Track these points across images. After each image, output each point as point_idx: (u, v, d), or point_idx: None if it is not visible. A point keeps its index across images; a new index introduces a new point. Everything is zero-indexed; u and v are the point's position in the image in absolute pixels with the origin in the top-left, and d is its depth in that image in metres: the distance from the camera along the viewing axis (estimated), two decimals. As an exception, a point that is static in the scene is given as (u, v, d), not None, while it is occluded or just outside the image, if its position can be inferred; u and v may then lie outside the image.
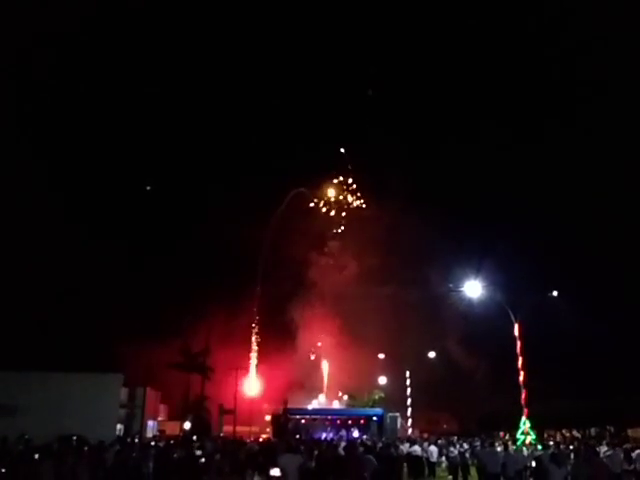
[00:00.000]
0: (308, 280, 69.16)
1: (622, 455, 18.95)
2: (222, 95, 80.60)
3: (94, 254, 56.12)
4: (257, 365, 67.05)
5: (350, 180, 73.54)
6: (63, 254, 51.25)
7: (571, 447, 22.36)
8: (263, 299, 68.61)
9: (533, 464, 19.46)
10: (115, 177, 63.71)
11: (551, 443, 24.53)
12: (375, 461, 13.96)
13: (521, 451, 22.44)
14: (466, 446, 25.24)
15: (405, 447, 25.29)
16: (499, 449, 20.08)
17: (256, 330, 67.72)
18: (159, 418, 53.41)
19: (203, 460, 16.16)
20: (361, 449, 16.89)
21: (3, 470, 12.13)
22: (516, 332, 32.67)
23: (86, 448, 15.99)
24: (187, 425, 51.37)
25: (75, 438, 21.72)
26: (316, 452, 16.05)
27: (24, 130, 49.44)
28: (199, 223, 65.70)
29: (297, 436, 34.51)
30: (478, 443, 25.76)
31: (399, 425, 46.60)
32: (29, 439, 19.25)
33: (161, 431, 47.02)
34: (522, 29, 65.12)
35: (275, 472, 8.12)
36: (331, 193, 73.54)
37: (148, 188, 62.92)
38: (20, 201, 50.55)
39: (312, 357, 68.04)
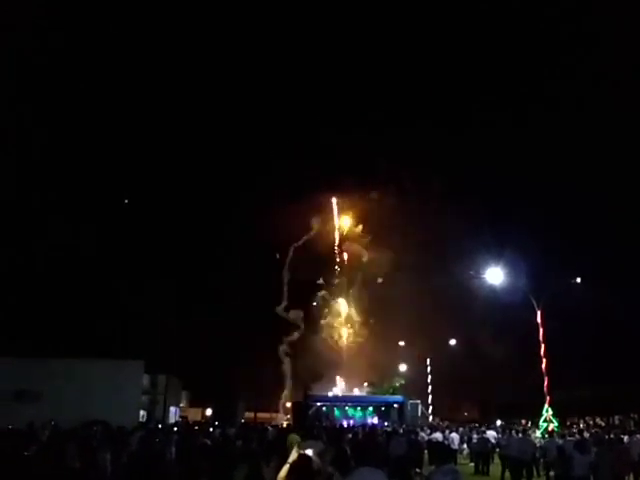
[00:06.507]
0: (330, 269, 69.51)
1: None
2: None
3: (117, 242, 56.59)
4: (281, 351, 67.26)
5: None
6: (82, 244, 51.72)
7: (595, 433, 22.04)
8: (289, 285, 68.93)
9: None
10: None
11: (566, 434, 23.88)
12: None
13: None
14: (493, 433, 25.01)
15: (426, 434, 25.31)
16: (530, 434, 20.11)
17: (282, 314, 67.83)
18: (181, 404, 54.01)
19: (225, 446, 16.24)
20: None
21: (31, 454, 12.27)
22: (538, 319, 32.36)
23: (110, 433, 16.18)
24: (209, 411, 51.98)
25: (99, 424, 21.94)
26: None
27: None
28: (221, 212, 65.66)
29: (318, 423, 34.67)
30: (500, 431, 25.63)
31: (420, 412, 46.58)
32: (55, 425, 19.56)
33: (183, 417, 47.57)
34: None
35: (309, 451, 8.06)
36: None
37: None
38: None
39: (334, 343, 68.15)
